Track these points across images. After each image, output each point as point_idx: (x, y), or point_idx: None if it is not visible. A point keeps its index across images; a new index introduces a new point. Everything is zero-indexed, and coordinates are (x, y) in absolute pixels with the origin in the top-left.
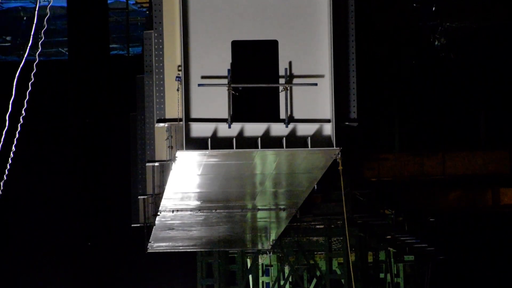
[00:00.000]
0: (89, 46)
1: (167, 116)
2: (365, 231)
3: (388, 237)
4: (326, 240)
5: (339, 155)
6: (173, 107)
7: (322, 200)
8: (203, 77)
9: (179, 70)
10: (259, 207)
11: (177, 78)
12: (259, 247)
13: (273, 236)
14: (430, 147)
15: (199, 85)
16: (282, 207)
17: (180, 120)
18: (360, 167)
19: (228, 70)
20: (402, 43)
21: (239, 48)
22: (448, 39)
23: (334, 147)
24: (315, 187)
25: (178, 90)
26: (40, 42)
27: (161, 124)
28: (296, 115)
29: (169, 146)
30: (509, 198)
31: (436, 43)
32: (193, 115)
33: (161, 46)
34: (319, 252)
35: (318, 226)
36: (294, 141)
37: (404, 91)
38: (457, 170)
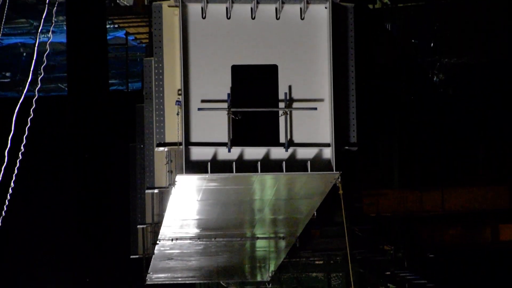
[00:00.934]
0: (88, 82)
1: (167, 140)
2: (365, 267)
3: (387, 273)
4: (325, 276)
5: (339, 179)
6: (173, 132)
7: (321, 235)
8: (203, 101)
9: (179, 94)
10: (258, 236)
11: (177, 103)
12: (258, 278)
13: (272, 267)
14: (429, 183)
15: (199, 109)
16: (281, 235)
17: (180, 144)
18: (359, 203)
19: (228, 94)
20: (401, 78)
21: (239, 72)
22: (446, 75)
23: (334, 171)
24: (315, 214)
25: (178, 114)
26: (39, 78)
27: (161, 148)
28: (296, 139)
29: (168, 171)
30: (508, 234)
31: (435, 78)
32: (193, 139)
33: (161, 71)
34: None
35: (317, 262)
36: (294, 165)
37: (403, 126)
38: (457, 206)
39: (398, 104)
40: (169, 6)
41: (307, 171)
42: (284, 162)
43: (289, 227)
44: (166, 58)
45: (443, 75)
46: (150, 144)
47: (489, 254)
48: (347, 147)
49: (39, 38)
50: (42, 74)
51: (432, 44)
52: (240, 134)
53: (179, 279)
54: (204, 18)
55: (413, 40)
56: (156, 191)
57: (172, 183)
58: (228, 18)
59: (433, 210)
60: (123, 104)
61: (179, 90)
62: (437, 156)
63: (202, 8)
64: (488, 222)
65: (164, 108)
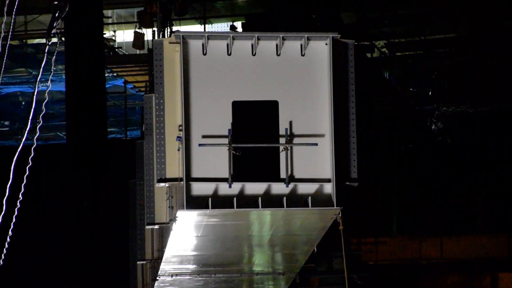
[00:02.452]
0: (87, 130)
1: (168, 176)
2: None
3: None
4: None
5: (340, 215)
6: (173, 167)
7: (320, 283)
8: (203, 137)
9: (179, 130)
10: (258, 271)
11: (178, 138)
12: None
13: None
14: (428, 231)
15: (199, 144)
16: (280, 271)
17: (181, 179)
18: (358, 251)
19: (229, 130)
20: (399, 127)
21: (239, 108)
22: (444, 123)
23: (335, 207)
24: (315, 250)
25: (178, 150)
26: (38, 127)
27: (162, 184)
28: (297, 175)
29: (169, 206)
30: (507, 283)
31: (433, 127)
32: (194, 174)
33: (162, 107)
34: None
35: None
36: (295, 200)
37: (402, 174)
38: (455, 254)
39: (397, 153)
40: (170, 43)
41: (308, 206)
42: (285, 198)
43: (289, 263)
44: (167, 94)
45: (441, 123)
46: (150, 180)
47: None
48: (348, 183)
49: (38, 87)
50: (41, 122)
51: (430, 93)
52: (241, 169)
53: None
54: (205, 54)
55: (411, 89)
56: (156, 227)
57: (173, 218)
58: (229, 54)
59: (432, 258)
60: (122, 152)
61: (180, 125)
62: (436, 205)
63: (203, 44)
64: (487, 270)
65: (165, 143)
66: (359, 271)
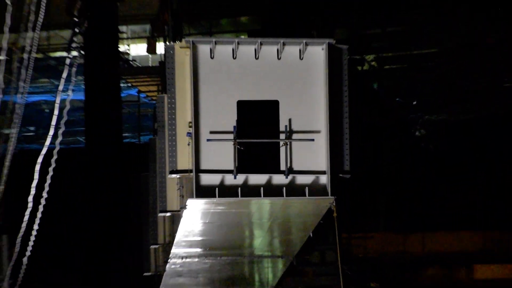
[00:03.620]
0: (103, 135)
1: (179, 168)
2: None
3: None
4: None
5: (334, 203)
6: (184, 160)
7: (314, 273)
8: (211, 132)
9: (189, 127)
10: (259, 255)
11: (188, 134)
12: None
13: (271, 283)
14: (411, 227)
15: (207, 140)
16: (279, 255)
17: (191, 171)
18: (348, 245)
19: (234, 126)
20: (387, 137)
21: (244, 107)
22: (427, 131)
23: (329, 196)
24: (311, 235)
25: (188, 144)
26: (60, 132)
27: (173, 175)
28: (295, 167)
29: (180, 195)
30: (481, 274)
31: (417, 133)
32: (202, 166)
33: (173, 105)
34: None
35: None
36: (293, 190)
37: (389, 177)
38: (435, 248)
39: (384, 159)
40: (181, 47)
41: (305, 196)
42: (284, 188)
43: (287, 247)
44: (178, 94)
45: (424, 130)
46: (162, 172)
47: None
48: (341, 175)
49: (60, 96)
50: (63, 128)
51: (414, 103)
52: (245, 162)
53: None
54: (212, 58)
55: (397, 99)
56: (168, 214)
57: (183, 206)
58: (234, 58)
59: (414, 252)
60: (135, 157)
61: (189, 122)
62: (419, 204)
63: (210, 49)
64: (464, 262)
65: (176, 138)
66: (350, 263)
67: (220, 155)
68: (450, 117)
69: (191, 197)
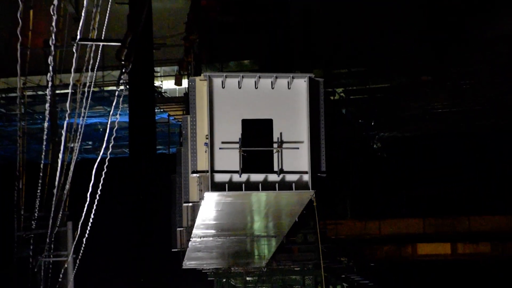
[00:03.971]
0: (142, 148)
1: (198, 169)
2: (328, 272)
3: (342, 276)
4: (301, 278)
5: (314, 196)
6: (202, 163)
7: (298, 250)
8: (222, 142)
9: (206, 138)
10: (258, 235)
11: (205, 144)
12: (257, 264)
13: (267, 256)
14: (370, 216)
15: (220, 148)
16: (273, 235)
17: (207, 171)
18: (324, 229)
19: (239, 138)
20: (352, 148)
21: (247, 124)
22: (382, 144)
23: (310, 190)
24: (297, 220)
25: (205, 152)
26: (110, 145)
27: (194, 175)
28: (285, 168)
29: (199, 190)
30: (422, 250)
31: (375, 146)
32: (216, 168)
33: (194, 123)
34: (296, 286)
35: (296, 269)
36: (283, 185)
37: (354, 179)
38: (389, 231)
39: (350, 164)
40: (200, 80)
41: (293, 189)
42: (277, 184)
43: (279, 229)
44: (198, 114)
45: (380, 143)
46: (186, 172)
47: (410, 264)
48: (319, 174)
49: (111, 119)
50: (112, 142)
51: (372, 123)
52: (247, 165)
53: (204, 264)
54: (223, 87)
55: (360, 120)
56: (190, 204)
57: (201, 198)
58: (240, 87)
59: (373, 234)
60: (166, 165)
61: (206, 135)
62: (376, 198)
63: (222, 81)
64: (409, 242)
65: (196, 147)
66: (325, 243)
67: (229, 159)
68: (398, 134)
69: (208, 191)
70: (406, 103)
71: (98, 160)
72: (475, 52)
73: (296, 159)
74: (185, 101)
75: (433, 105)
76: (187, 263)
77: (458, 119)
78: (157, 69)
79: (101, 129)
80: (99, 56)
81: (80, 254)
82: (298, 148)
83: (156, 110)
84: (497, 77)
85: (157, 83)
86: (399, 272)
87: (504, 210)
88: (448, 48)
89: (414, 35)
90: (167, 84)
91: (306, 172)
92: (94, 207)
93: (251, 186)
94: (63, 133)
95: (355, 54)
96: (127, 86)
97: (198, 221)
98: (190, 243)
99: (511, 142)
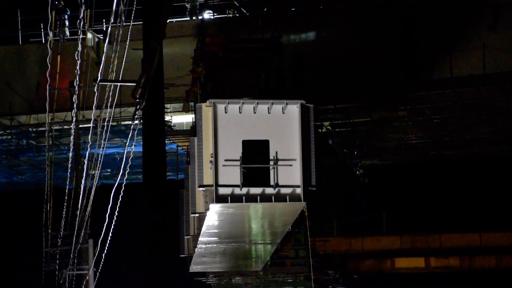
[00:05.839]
0: (154, 174)
1: (204, 183)
2: (317, 283)
3: (330, 287)
4: None
5: (305, 207)
6: (207, 179)
7: (291, 264)
8: (225, 160)
9: (211, 157)
10: (256, 241)
11: (210, 162)
12: (254, 267)
13: (264, 260)
14: (354, 233)
15: (223, 165)
16: (268, 241)
17: (212, 185)
18: (314, 245)
19: (240, 156)
20: (338, 174)
21: (246, 144)
22: (364, 170)
23: (302, 202)
24: (290, 229)
25: (210, 168)
26: (126, 172)
27: (200, 188)
28: (280, 182)
29: (205, 201)
30: (400, 264)
31: (357, 172)
32: (220, 182)
33: (200, 143)
34: None
35: (289, 280)
36: (279, 197)
37: (340, 201)
38: (370, 247)
39: (336, 188)
40: (205, 106)
41: (287, 201)
42: (273, 196)
43: (274, 237)
44: (204, 136)
45: (362, 170)
46: (193, 187)
47: (389, 276)
48: (310, 188)
49: (127, 149)
50: (128, 169)
51: (355, 152)
52: (247, 179)
53: (209, 268)
54: (226, 112)
55: (345, 150)
56: (197, 214)
57: (207, 209)
58: (240, 112)
59: (357, 250)
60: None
61: (211, 154)
62: (359, 217)
63: (225, 107)
64: (388, 257)
65: (202, 165)
66: (315, 257)
67: (231, 175)
68: (378, 162)
69: (212, 202)
70: (384, 135)
71: (115, 185)
72: (444, 89)
73: (289, 175)
74: (192, 131)
75: (408, 137)
76: (194, 267)
77: (429, 149)
78: (167, 105)
79: (118, 158)
80: (117, 94)
81: (100, 268)
82: (291, 165)
83: (166, 141)
84: (463, 112)
85: (167, 117)
86: (380, 283)
87: (471, 228)
88: (419, 87)
89: (390, 73)
90: (176, 119)
91: (298, 186)
92: (112, 226)
93: (251, 198)
94: (85, 161)
95: (340, 92)
96: (141, 121)
97: (204, 229)
98: (196, 249)
99: (475, 170)
